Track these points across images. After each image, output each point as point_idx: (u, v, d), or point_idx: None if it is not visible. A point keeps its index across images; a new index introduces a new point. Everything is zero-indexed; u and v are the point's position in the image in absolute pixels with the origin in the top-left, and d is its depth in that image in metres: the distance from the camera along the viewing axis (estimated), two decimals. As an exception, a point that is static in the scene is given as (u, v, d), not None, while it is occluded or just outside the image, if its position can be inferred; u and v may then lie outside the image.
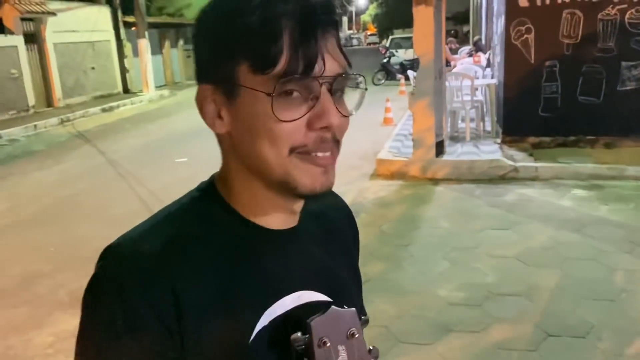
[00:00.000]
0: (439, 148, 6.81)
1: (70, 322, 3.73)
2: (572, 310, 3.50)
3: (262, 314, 0.70)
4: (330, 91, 0.68)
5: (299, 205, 0.77)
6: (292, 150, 0.68)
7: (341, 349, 0.68)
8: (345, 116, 0.71)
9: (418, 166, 6.65)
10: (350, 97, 0.75)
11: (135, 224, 0.74)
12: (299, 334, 0.67)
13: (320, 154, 0.69)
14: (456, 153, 7.11)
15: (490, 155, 6.84)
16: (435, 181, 6.50)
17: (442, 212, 5.54)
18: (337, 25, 0.70)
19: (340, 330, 0.69)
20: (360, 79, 0.73)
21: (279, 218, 0.75)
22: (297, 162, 0.68)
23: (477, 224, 5.11)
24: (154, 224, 0.72)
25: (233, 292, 0.69)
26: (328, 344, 0.67)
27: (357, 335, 0.69)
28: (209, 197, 0.75)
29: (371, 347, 0.72)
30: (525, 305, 3.62)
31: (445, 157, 6.86)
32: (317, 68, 0.66)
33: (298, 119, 0.67)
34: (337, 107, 0.69)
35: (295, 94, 0.66)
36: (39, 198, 6.82)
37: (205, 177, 0.78)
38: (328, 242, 0.84)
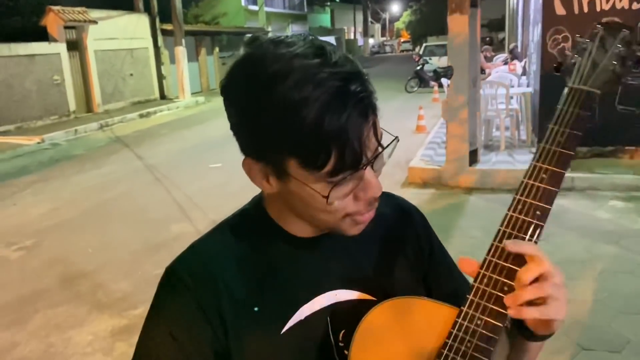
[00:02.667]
0: (473, 157, 6.76)
1: (109, 322, 3.85)
2: (608, 325, 3.43)
3: (296, 309, 0.79)
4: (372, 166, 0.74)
5: None
6: (346, 216, 0.76)
7: None
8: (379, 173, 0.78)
9: (451, 175, 6.62)
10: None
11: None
12: None
13: (367, 214, 0.78)
14: (490, 162, 7.04)
15: (525, 164, 6.66)
16: (469, 190, 6.45)
17: (475, 222, 5.49)
18: (375, 110, 0.72)
19: None
20: (394, 143, 0.76)
21: (309, 228, 0.83)
22: (348, 222, 0.77)
23: (511, 234, 5.04)
24: (213, 232, 0.86)
25: (270, 289, 0.80)
26: None
27: None
28: (257, 211, 0.85)
29: None
30: (559, 318, 3.56)
31: (479, 166, 6.80)
32: (363, 160, 0.71)
33: (347, 196, 0.74)
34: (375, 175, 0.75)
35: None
36: (79, 201, 7.03)
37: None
38: (374, 245, 0.89)
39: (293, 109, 0.67)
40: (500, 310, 0.70)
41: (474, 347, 0.70)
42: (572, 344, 3.22)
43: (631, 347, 3.17)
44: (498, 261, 0.72)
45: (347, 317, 0.81)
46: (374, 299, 0.84)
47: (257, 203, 0.86)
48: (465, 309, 0.72)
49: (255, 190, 0.90)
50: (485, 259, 0.73)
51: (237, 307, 0.77)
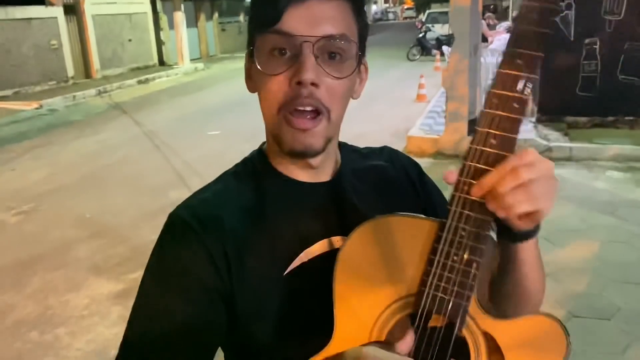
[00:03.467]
0: (472, 126, 6.73)
1: (105, 285, 3.89)
2: (599, 293, 3.47)
3: (298, 253, 0.80)
4: (315, 52, 0.74)
5: (314, 162, 0.83)
6: (279, 110, 0.77)
7: None
8: (337, 78, 0.76)
9: (450, 144, 6.60)
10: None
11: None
12: None
13: (297, 117, 0.76)
14: (489, 131, 7.00)
15: (523, 134, 6.69)
16: (467, 159, 6.43)
17: (472, 191, 5.50)
18: None
19: None
20: (351, 45, 0.77)
21: (305, 172, 0.85)
22: (282, 122, 0.78)
23: (507, 203, 5.06)
24: (216, 180, 0.88)
25: (272, 232, 0.81)
26: None
27: None
28: (256, 156, 0.88)
29: None
30: (551, 286, 3.59)
31: (477, 136, 6.77)
32: (298, 28, 0.74)
33: (280, 73, 0.75)
34: (323, 68, 0.75)
35: (285, 53, 0.75)
36: (77, 167, 7.03)
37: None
38: (374, 194, 0.90)
39: None
40: (484, 217, 0.66)
41: (460, 259, 0.67)
42: (562, 311, 3.26)
43: (621, 315, 3.21)
44: (478, 165, 0.66)
45: None
46: None
47: (260, 149, 0.89)
48: (448, 221, 0.68)
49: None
50: (463, 165, 0.67)
51: (241, 251, 0.78)
